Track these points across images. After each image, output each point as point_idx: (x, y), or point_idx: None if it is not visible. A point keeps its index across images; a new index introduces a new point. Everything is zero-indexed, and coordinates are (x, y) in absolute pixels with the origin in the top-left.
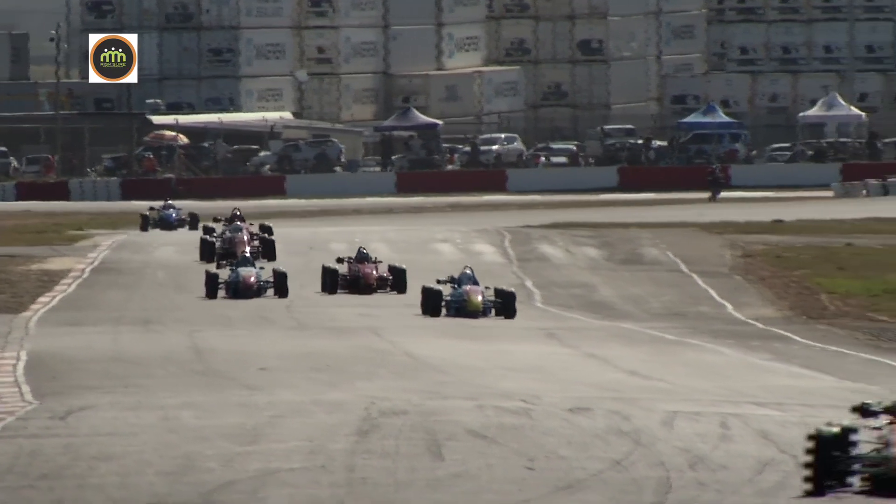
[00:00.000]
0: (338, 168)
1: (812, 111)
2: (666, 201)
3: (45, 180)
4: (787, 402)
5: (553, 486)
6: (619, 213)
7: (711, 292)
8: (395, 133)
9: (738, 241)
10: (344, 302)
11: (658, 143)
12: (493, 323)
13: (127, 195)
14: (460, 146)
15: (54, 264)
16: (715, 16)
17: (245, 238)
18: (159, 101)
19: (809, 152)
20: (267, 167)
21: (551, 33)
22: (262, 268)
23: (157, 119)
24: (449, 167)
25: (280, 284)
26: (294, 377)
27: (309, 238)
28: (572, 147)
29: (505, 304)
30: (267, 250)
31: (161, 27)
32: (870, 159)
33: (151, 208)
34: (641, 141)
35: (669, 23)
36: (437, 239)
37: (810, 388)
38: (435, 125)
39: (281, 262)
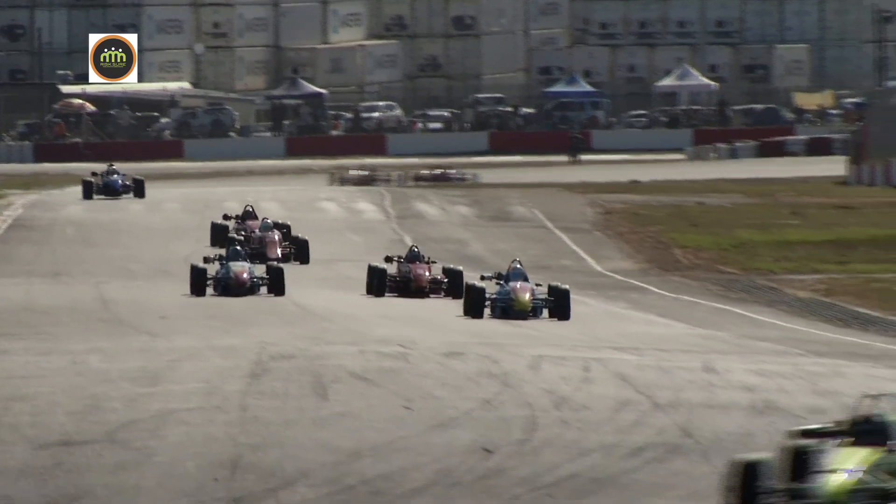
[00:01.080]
0: (232, 133)
1: (666, 81)
2: (532, 164)
3: None
4: (644, 348)
5: (428, 425)
6: (490, 174)
7: (574, 247)
8: (285, 101)
9: (599, 199)
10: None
11: (525, 110)
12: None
13: (39, 159)
14: (344, 113)
15: None
16: None
17: (277, 238)
18: (68, 72)
19: (664, 119)
20: (167, 133)
21: (427, 10)
22: (256, 262)
23: (66, 88)
24: (334, 133)
25: (276, 281)
26: (191, 325)
27: (205, 197)
28: (447, 114)
29: (558, 303)
30: (300, 253)
31: (70, 4)
32: (719, 125)
33: (94, 174)
34: (510, 108)
35: (536, 0)
36: (322, 198)
37: (664, 334)
38: (321, 94)
39: (180, 221)
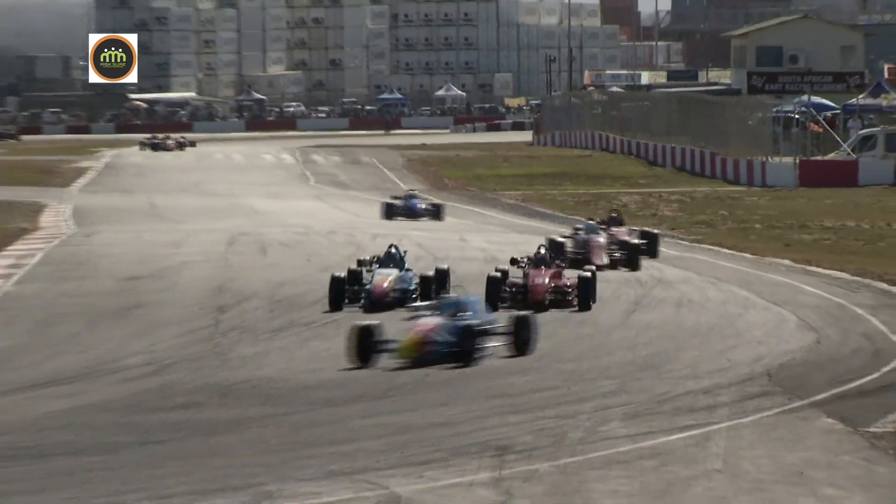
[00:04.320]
0: (217, 119)
1: (439, 92)
2: (369, 135)
3: None
4: (430, 230)
5: (318, 268)
6: (349, 140)
7: (392, 176)
8: (244, 102)
9: (405, 154)
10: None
11: (368, 107)
12: (287, 191)
13: (118, 132)
14: (274, 108)
15: (82, 163)
16: None
17: (602, 241)
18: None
19: (438, 111)
20: (183, 117)
21: (316, 56)
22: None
23: (132, 95)
24: (269, 119)
25: (427, 292)
26: (197, 216)
27: (227, 149)
28: (327, 109)
29: (650, 245)
30: (631, 259)
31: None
32: (467, 114)
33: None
34: (359, 106)
35: (373, 49)
36: (263, 153)
37: (434, 226)
38: (263, 99)
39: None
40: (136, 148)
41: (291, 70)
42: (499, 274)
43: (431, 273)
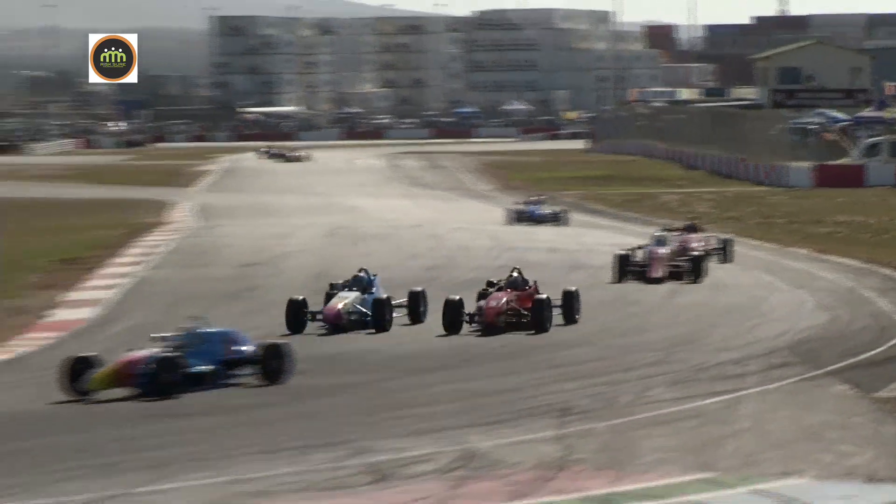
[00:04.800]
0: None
1: (508, 106)
2: (446, 143)
3: None
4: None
5: (406, 256)
6: (430, 148)
7: (468, 178)
8: (341, 115)
9: (478, 159)
10: None
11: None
12: (378, 190)
13: (236, 139)
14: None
15: (204, 167)
16: None
17: (663, 253)
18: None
19: (506, 123)
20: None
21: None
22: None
23: (242, 110)
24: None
25: (378, 317)
26: (296, 213)
27: (330, 154)
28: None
29: (693, 268)
30: (694, 269)
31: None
32: (535, 126)
33: (292, 155)
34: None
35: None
36: (363, 156)
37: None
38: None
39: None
40: (251, 154)
41: (381, 88)
42: (457, 298)
43: (384, 296)
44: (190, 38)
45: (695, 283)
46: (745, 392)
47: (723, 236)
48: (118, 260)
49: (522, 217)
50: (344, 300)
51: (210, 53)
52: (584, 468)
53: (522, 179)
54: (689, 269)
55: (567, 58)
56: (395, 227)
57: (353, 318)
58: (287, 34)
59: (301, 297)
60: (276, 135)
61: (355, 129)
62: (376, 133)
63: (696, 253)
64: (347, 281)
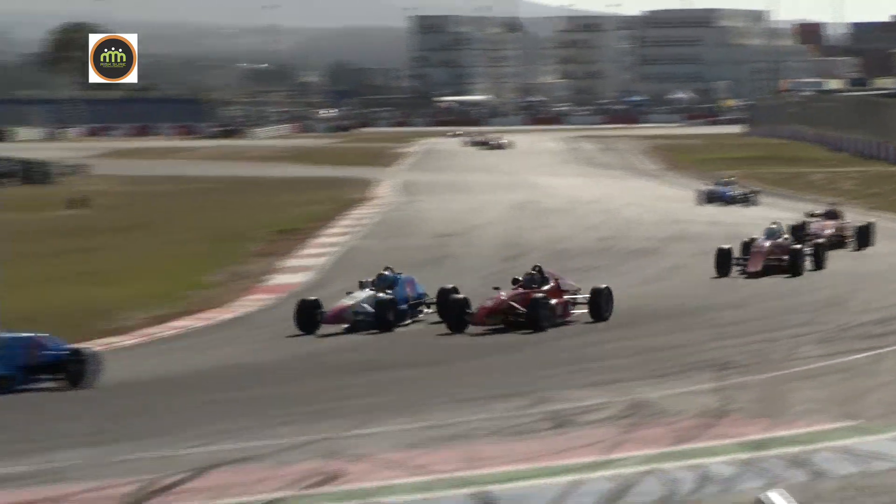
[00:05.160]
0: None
1: (674, 95)
2: (619, 128)
3: None
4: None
5: (583, 228)
6: (605, 133)
7: (639, 159)
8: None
9: (648, 142)
10: None
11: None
12: (559, 170)
13: (431, 125)
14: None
15: (404, 149)
16: None
17: (765, 247)
18: (441, 95)
19: (673, 111)
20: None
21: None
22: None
23: (438, 99)
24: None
25: (381, 316)
26: (486, 190)
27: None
28: None
29: (791, 263)
30: (793, 265)
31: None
32: (698, 114)
33: (486, 142)
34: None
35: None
36: (545, 140)
37: (662, 193)
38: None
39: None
40: (447, 138)
41: (560, 79)
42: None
43: (383, 296)
44: (392, 35)
45: (794, 276)
46: (887, 349)
47: (862, 221)
48: (329, 231)
49: (713, 197)
50: (354, 300)
51: (409, 48)
52: (740, 417)
53: (687, 160)
54: (790, 263)
55: (726, 52)
56: (573, 202)
57: (359, 317)
58: (477, 31)
59: (314, 298)
60: (467, 120)
61: (537, 115)
62: (556, 119)
63: (796, 247)
64: (374, 279)
